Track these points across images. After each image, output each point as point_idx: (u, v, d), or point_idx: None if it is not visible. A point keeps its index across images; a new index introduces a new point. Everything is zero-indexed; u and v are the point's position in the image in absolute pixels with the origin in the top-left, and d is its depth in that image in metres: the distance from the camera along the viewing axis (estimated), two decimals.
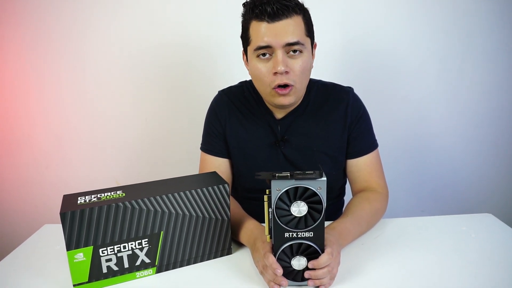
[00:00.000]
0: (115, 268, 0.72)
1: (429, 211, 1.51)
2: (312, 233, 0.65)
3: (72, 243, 0.67)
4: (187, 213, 0.76)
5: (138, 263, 0.73)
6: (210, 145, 1.01)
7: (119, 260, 0.72)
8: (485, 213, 0.95)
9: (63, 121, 1.51)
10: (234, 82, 1.06)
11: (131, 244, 0.72)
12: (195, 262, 0.79)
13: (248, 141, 0.97)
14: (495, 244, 0.81)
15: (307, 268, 0.67)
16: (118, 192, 0.74)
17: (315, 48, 0.92)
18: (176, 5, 1.40)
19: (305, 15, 0.86)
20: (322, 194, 0.63)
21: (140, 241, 0.73)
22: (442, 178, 1.51)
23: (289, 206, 0.64)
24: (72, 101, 1.49)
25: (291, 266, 0.67)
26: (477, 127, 1.47)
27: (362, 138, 0.96)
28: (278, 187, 0.63)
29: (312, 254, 0.67)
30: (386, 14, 1.38)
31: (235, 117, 0.98)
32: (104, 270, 0.71)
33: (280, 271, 0.66)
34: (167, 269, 0.77)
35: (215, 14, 1.40)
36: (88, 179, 1.57)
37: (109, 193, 0.74)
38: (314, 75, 1.10)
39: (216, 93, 1.04)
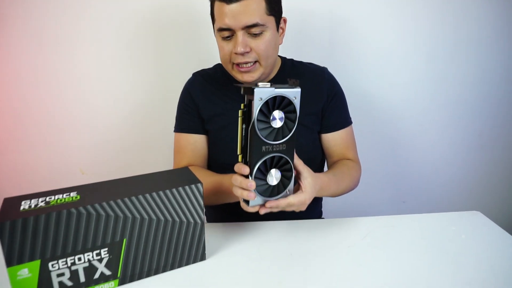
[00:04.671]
0: (69, 284, 0.62)
1: (410, 202, 1.48)
2: (285, 145, 0.66)
3: (13, 258, 0.57)
4: (154, 217, 0.66)
5: (96, 276, 0.64)
6: (184, 123, 0.99)
7: (74, 274, 0.62)
8: (473, 211, 0.91)
9: (21, 101, 1.35)
10: None
11: (88, 255, 0.62)
12: (164, 271, 0.70)
13: (223, 115, 0.96)
14: (485, 243, 0.77)
15: (281, 182, 0.68)
16: (71, 195, 0.64)
17: (285, 23, 0.93)
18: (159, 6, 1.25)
19: None
20: (297, 104, 0.65)
21: (98, 251, 0.63)
22: (424, 169, 1.48)
23: (268, 117, 0.63)
24: (32, 77, 1.33)
25: (267, 183, 0.67)
26: (461, 118, 1.43)
27: (337, 113, 0.98)
28: (261, 96, 0.61)
29: (283, 165, 0.67)
30: (373, 4, 1.29)
31: (209, 93, 0.98)
32: (56, 287, 0.61)
33: (246, 169, 0.64)
34: (131, 281, 0.67)
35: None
36: (49, 168, 1.43)
37: (60, 196, 0.63)
38: (295, 57, 1.03)
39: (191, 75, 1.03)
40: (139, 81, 1.35)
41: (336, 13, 1.30)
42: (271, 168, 0.66)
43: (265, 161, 0.65)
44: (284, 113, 0.64)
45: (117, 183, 0.69)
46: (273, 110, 0.62)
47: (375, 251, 0.75)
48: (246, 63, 0.86)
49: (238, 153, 0.66)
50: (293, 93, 0.64)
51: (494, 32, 1.35)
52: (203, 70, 1.03)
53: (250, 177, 0.65)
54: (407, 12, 1.31)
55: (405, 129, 1.43)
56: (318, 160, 1.02)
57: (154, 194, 0.65)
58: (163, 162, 1.42)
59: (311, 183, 0.71)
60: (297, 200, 0.69)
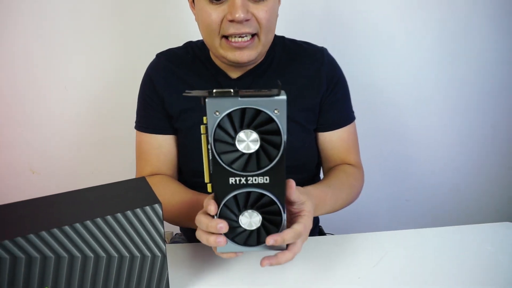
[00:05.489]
0: None
1: (414, 200, 1.33)
2: (267, 178, 0.46)
3: None
4: (90, 254, 0.46)
5: None
6: (147, 121, 0.79)
7: None
8: (505, 222, 0.75)
9: None
10: None
11: None
12: None
13: (194, 110, 0.75)
14: None
15: (263, 228, 0.48)
16: None
17: None
18: None
19: None
20: (281, 120, 0.44)
21: None
22: (429, 164, 1.32)
23: (233, 138, 0.44)
24: None
25: (240, 226, 0.48)
26: (471, 108, 1.27)
27: (338, 107, 0.79)
28: (217, 109, 0.43)
29: (266, 207, 0.47)
30: None
31: (177, 81, 0.77)
32: None
33: (212, 207, 0.46)
34: None
35: None
36: None
37: None
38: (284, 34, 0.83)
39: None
40: (96, 65, 1.13)
41: None
42: (247, 208, 0.47)
43: (235, 197, 0.47)
44: (261, 133, 0.44)
45: (32, 206, 0.48)
46: (242, 128, 0.44)
47: (392, 283, 0.58)
48: (242, 36, 0.66)
49: (206, 181, 0.47)
50: (273, 104, 0.43)
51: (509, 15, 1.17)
52: (169, 50, 0.81)
53: (215, 216, 0.48)
54: None
55: (409, 119, 1.27)
56: (312, 165, 0.83)
57: (89, 223, 0.45)
58: (125, 159, 1.20)
59: (310, 208, 0.52)
60: (296, 250, 0.49)
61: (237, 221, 0.47)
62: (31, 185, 1.21)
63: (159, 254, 0.51)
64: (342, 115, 0.80)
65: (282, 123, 0.44)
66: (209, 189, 0.47)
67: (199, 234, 0.49)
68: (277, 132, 0.44)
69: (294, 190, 0.49)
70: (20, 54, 1.09)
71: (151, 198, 0.50)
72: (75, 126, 1.18)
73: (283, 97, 0.43)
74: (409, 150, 1.30)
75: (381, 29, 1.16)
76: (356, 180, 0.77)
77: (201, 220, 0.48)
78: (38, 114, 1.16)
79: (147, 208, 0.48)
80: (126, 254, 0.49)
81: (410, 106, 1.25)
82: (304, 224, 0.49)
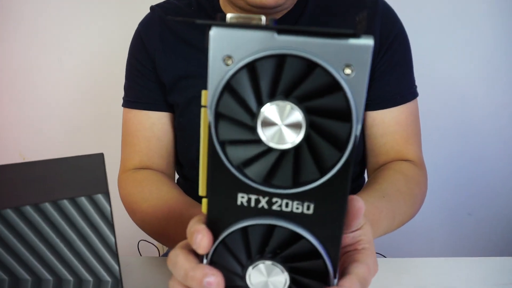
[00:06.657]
0: None
1: (478, 216, 1.07)
2: (311, 205, 0.23)
3: None
4: None
5: None
6: (136, 93, 0.61)
7: None
8: None
9: None
10: None
11: None
12: None
13: (196, 78, 0.58)
14: None
15: None
16: None
17: None
18: None
19: None
20: (356, 90, 0.20)
21: None
22: (498, 168, 1.06)
23: (253, 115, 0.22)
24: None
25: (246, 286, 0.25)
26: None
27: (394, 76, 0.59)
28: (229, 52, 0.21)
29: (303, 260, 0.24)
30: None
31: (172, 41, 0.59)
32: None
33: (202, 242, 0.24)
34: None
35: None
36: None
37: None
38: None
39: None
40: (95, 31, 0.97)
41: None
42: (265, 256, 0.24)
43: (245, 232, 0.24)
44: (311, 112, 0.21)
45: None
46: (273, 96, 0.21)
47: None
48: None
49: (201, 193, 0.25)
50: (345, 53, 0.20)
51: None
52: (167, 2, 0.63)
53: (205, 259, 0.26)
54: None
55: (478, 110, 1.02)
56: (358, 158, 0.62)
57: None
58: None
59: (370, 235, 0.29)
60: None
61: (242, 277, 0.25)
62: None
63: (107, 278, 0.31)
64: (400, 87, 0.58)
65: (357, 95, 0.21)
66: (204, 208, 0.25)
67: (172, 287, 0.27)
68: (345, 113, 0.21)
69: (361, 217, 0.26)
70: (9, 21, 0.95)
71: (95, 185, 0.30)
72: (71, 104, 1.03)
73: (367, 41, 0.20)
74: (474, 148, 1.05)
75: None
76: (418, 185, 0.55)
77: (178, 261, 0.26)
78: (29, 91, 1.02)
79: (82, 200, 0.28)
80: (48, 276, 0.29)
81: (481, 93, 1.01)
82: (367, 265, 0.26)
